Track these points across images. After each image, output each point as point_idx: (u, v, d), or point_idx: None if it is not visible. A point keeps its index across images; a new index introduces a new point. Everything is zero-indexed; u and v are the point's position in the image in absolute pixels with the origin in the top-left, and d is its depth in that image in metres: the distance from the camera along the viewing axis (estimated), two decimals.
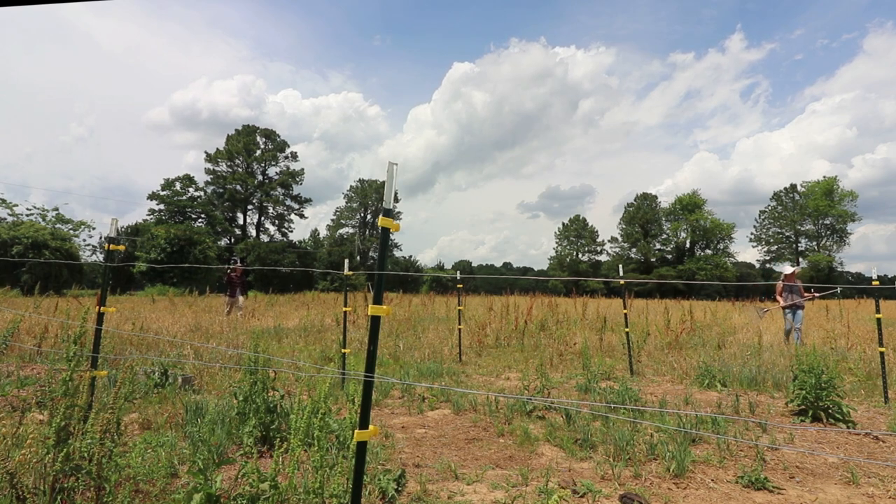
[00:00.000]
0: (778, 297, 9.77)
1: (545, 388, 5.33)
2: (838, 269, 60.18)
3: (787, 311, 9.53)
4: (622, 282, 7.46)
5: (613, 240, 71.24)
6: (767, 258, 67.08)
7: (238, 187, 56.86)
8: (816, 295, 9.41)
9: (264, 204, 58.68)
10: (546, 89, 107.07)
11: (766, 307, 9.73)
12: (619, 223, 70.15)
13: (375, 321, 2.19)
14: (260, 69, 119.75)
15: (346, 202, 72.78)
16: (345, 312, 5.94)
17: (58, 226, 33.08)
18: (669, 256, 66.65)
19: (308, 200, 61.48)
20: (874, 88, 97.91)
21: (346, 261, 6.14)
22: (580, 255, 72.10)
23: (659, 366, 7.68)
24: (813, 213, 61.64)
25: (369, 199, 71.56)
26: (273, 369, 5.10)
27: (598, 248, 72.15)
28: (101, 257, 43.22)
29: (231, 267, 13.34)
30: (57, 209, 34.24)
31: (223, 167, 57.14)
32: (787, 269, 9.86)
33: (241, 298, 13.21)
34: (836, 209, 59.76)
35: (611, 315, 14.15)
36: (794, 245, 64.77)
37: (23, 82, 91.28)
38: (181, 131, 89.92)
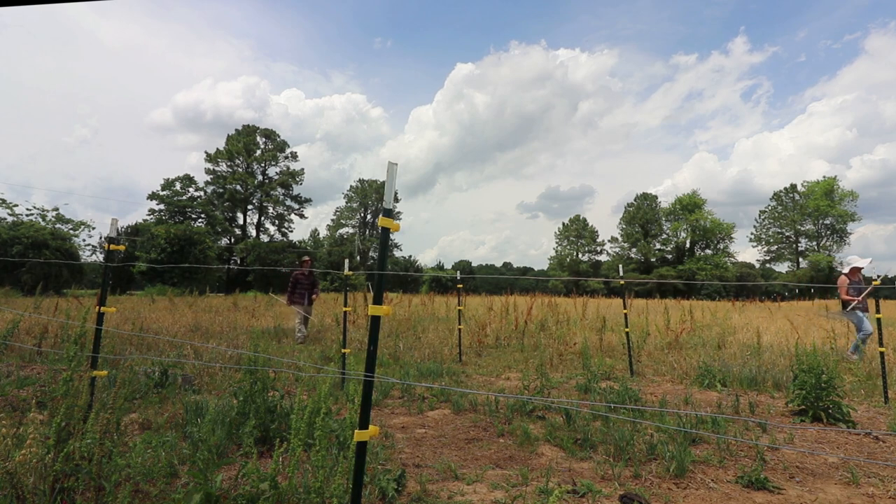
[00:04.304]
0: (845, 297, 7.67)
1: (545, 388, 5.33)
2: (838, 270, 60.13)
3: (861, 313, 7.53)
4: (622, 282, 7.45)
5: (613, 240, 71.31)
6: (767, 258, 67.17)
7: (238, 187, 56.90)
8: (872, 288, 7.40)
9: (264, 204, 58.72)
10: (547, 91, 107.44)
11: (834, 311, 8.64)
12: (619, 223, 70.28)
13: (375, 321, 2.19)
14: (263, 69, 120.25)
15: (347, 202, 72.93)
16: (345, 312, 5.94)
17: (58, 226, 33.06)
18: (669, 256, 66.66)
19: (308, 200, 61.56)
20: (875, 90, 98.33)
21: (346, 261, 6.15)
22: (580, 255, 72.15)
23: (659, 366, 7.67)
24: (813, 213, 61.70)
25: (369, 199, 71.68)
26: (273, 369, 5.10)
27: (598, 248, 72.28)
28: (101, 257, 43.19)
29: (300, 260, 10.34)
30: (57, 209, 34.23)
31: (223, 167, 57.22)
32: (857, 261, 7.61)
33: (310, 308, 10.14)
34: (837, 209, 59.80)
35: (611, 315, 14.15)
36: (795, 245, 64.83)
37: (27, 83, 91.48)
38: (184, 133, 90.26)
